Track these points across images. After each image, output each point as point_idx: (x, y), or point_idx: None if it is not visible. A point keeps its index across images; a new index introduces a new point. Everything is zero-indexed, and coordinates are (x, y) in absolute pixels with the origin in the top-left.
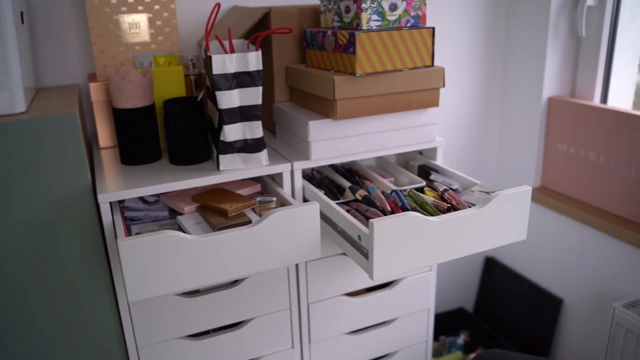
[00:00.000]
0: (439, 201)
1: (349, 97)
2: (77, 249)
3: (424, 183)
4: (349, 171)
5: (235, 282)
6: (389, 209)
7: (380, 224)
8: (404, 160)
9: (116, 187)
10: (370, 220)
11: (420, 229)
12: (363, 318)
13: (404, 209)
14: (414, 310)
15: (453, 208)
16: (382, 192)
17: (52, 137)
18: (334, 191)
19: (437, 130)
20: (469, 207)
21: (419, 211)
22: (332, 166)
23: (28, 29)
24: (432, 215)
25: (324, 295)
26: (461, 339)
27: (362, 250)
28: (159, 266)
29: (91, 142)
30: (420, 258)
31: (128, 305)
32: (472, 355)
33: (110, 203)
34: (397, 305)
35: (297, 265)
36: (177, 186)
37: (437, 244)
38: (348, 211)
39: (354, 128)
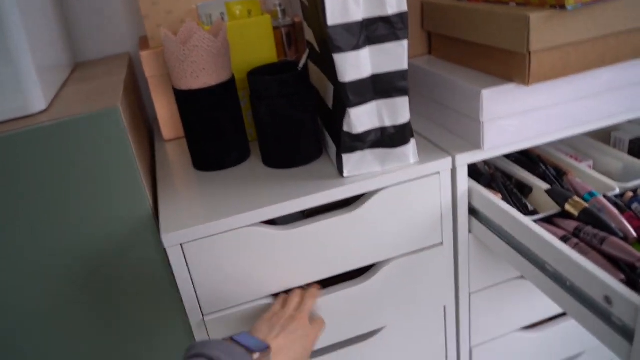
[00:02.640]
0: None
1: (553, 47)
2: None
3: None
4: (526, 155)
5: (371, 333)
6: (634, 235)
7: None
8: (600, 131)
9: (189, 216)
10: None
11: None
12: (544, 355)
13: None
14: None
15: None
16: (607, 198)
17: (86, 144)
18: (515, 194)
19: None
20: None
21: None
22: None
23: None
24: None
25: (492, 334)
26: None
27: (612, 321)
28: None
29: (153, 132)
30: None
31: None
32: None
33: (182, 246)
34: (587, 333)
35: (457, 300)
36: (284, 208)
37: None
38: (564, 239)
39: (552, 96)
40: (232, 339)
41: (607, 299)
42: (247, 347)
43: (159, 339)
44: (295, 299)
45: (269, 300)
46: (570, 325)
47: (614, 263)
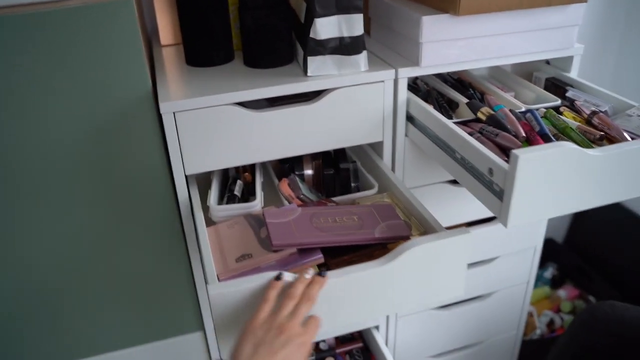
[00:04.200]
0: (585, 127)
1: None
2: (138, 167)
3: (558, 101)
4: (460, 82)
5: None
6: (523, 134)
7: (527, 156)
8: (525, 71)
9: (181, 93)
10: (513, 150)
11: (575, 166)
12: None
13: (542, 135)
14: (520, 248)
15: (608, 137)
16: (511, 111)
17: (102, 29)
18: (444, 107)
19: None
20: (632, 137)
21: (562, 139)
22: (439, 75)
23: None
24: (580, 145)
25: None
26: (549, 273)
27: (492, 188)
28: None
29: (151, 38)
30: (568, 202)
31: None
32: (561, 291)
33: (174, 114)
34: (503, 242)
35: None
36: (254, 94)
37: (592, 185)
38: (471, 134)
39: (479, 27)
40: None
41: (490, 171)
42: None
43: (147, 198)
44: (287, 303)
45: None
46: (485, 232)
47: (504, 152)
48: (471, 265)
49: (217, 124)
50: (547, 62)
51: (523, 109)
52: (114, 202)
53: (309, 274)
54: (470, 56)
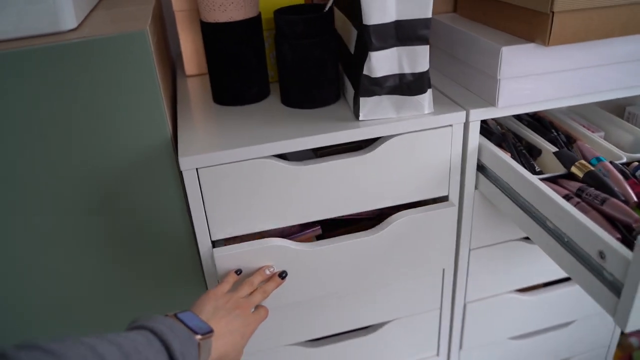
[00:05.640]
0: None
1: (576, 9)
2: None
3: None
4: (539, 121)
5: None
6: (635, 199)
7: None
8: (615, 105)
9: (206, 144)
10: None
11: None
12: (534, 319)
13: None
14: (599, 310)
15: None
16: (613, 164)
17: (112, 65)
18: (524, 154)
19: None
20: None
21: None
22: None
23: None
24: None
25: (487, 292)
26: None
27: (603, 276)
28: None
29: (175, 68)
30: None
31: None
32: (633, 339)
33: (197, 170)
34: (580, 303)
35: (456, 256)
36: (297, 144)
37: None
38: (566, 198)
39: (571, 59)
40: (176, 315)
41: (601, 254)
42: (191, 328)
43: (167, 266)
44: (246, 287)
45: (279, 242)
46: (563, 293)
47: (613, 224)
48: (544, 330)
49: (250, 181)
50: None
51: (624, 160)
52: (130, 270)
53: (270, 270)
54: (559, 93)
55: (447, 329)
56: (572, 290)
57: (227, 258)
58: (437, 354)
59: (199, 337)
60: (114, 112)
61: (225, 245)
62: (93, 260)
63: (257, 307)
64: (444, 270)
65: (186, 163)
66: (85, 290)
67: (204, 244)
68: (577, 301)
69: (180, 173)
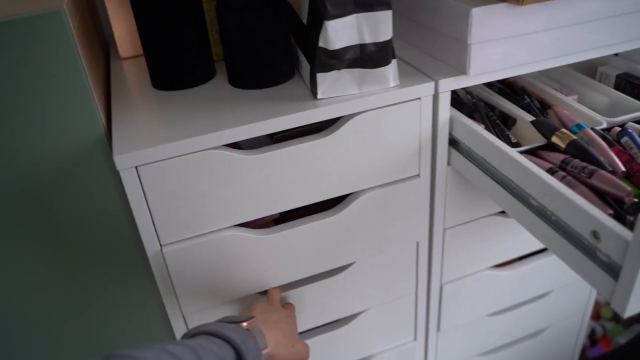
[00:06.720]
0: None
1: None
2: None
3: None
4: (510, 87)
5: (341, 268)
6: (622, 169)
7: None
8: (586, 66)
9: (145, 137)
10: None
11: None
12: (512, 294)
13: None
14: (578, 277)
15: None
16: (595, 131)
17: (26, 51)
18: (498, 125)
19: None
20: None
21: None
22: None
23: None
24: None
25: (463, 271)
26: None
27: (596, 257)
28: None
29: (109, 51)
30: None
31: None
32: (600, 296)
33: (137, 169)
34: (556, 273)
35: (430, 236)
36: (249, 130)
37: None
38: (550, 172)
39: (545, 20)
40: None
41: (595, 234)
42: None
43: (112, 272)
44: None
45: (235, 232)
46: (539, 265)
47: (602, 198)
48: (521, 303)
49: (201, 177)
50: (616, 53)
51: (605, 125)
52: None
53: None
54: (532, 57)
55: (423, 312)
56: (548, 262)
57: (178, 254)
58: (415, 339)
59: (244, 324)
60: (35, 107)
61: None
62: (36, 275)
63: (284, 305)
64: (418, 252)
65: (123, 161)
66: (32, 305)
67: (152, 249)
68: (553, 272)
69: (117, 172)
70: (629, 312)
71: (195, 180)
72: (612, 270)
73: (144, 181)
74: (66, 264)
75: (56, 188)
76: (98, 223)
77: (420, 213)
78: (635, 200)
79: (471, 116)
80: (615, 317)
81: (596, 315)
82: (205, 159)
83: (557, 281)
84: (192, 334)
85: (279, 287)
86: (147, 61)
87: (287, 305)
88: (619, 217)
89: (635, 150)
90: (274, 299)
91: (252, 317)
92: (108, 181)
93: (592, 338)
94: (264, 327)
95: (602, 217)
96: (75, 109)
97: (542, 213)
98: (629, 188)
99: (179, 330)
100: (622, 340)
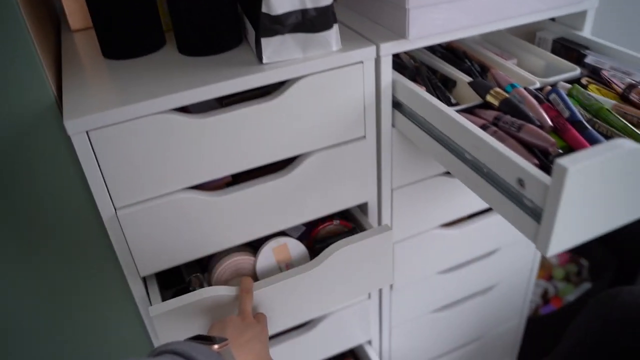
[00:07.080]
0: (622, 105)
1: None
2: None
3: (577, 71)
4: (452, 52)
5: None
6: (550, 123)
7: (578, 168)
8: (525, 31)
9: (95, 102)
10: (560, 161)
11: (637, 169)
12: (461, 252)
13: (574, 122)
14: (521, 236)
15: None
16: (527, 90)
17: None
18: (439, 87)
19: None
20: None
21: (600, 126)
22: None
23: None
24: (627, 135)
25: (412, 231)
26: None
27: (523, 203)
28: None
29: (60, 23)
30: (619, 214)
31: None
32: (551, 257)
33: (88, 133)
34: (502, 231)
35: (379, 196)
36: (197, 94)
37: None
38: (483, 128)
39: None
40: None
41: (520, 182)
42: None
43: (69, 237)
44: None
45: (188, 194)
46: (486, 224)
47: (530, 151)
48: (470, 262)
49: (151, 140)
50: (553, 18)
51: (538, 85)
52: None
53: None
54: (470, 21)
55: None
56: (494, 220)
57: (133, 217)
58: (369, 297)
59: (216, 347)
60: None
61: None
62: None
63: (256, 316)
64: (367, 212)
65: (73, 126)
66: None
67: (106, 213)
68: (499, 230)
69: (69, 138)
70: (550, 252)
71: (145, 144)
72: (536, 214)
73: (95, 145)
74: (22, 240)
75: (8, 158)
76: (53, 195)
77: (367, 173)
78: (560, 151)
79: (414, 79)
80: (567, 277)
81: (548, 276)
82: (155, 123)
83: (504, 239)
84: (157, 352)
85: (251, 295)
86: (96, 31)
87: (258, 316)
88: (544, 168)
89: (561, 106)
90: (246, 311)
91: (225, 340)
92: (60, 149)
93: (545, 297)
94: (236, 350)
95: (526, 165)
96: (24, 79)
97: (476, 167)
98: (553, 140)
99: (139, 295)
100: (571, 298)
